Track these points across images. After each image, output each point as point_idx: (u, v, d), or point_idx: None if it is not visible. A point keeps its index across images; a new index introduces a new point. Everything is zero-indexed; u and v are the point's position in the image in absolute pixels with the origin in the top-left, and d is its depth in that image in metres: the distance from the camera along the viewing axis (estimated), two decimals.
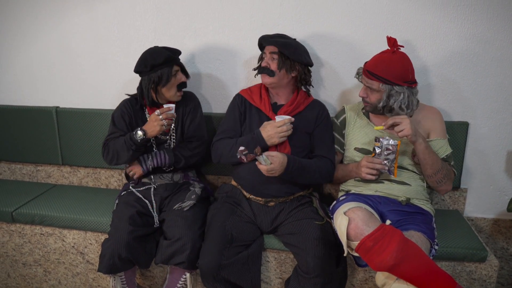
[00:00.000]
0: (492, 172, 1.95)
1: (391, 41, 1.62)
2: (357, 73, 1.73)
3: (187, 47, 2.06)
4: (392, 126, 1.57)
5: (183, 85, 1.83)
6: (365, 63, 1.67)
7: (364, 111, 1.79)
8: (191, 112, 1.89)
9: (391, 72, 1.58)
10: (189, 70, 1.95)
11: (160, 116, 1.70)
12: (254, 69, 1.79)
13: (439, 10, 1.82)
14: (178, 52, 1.84)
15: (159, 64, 1.74)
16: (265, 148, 1.66)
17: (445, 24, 1.83)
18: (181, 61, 1.86)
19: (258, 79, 1.86)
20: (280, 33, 1.83)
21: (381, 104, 1.63)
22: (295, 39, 1.82)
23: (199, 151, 1.88)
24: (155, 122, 1.72)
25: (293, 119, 1.66)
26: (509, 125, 1.89)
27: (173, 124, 1.88)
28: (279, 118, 1.66)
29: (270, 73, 1.71)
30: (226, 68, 2.06)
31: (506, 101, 1.87)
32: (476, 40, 1.83)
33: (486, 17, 1.80)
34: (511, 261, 2.00)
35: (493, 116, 1.89)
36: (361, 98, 1.71)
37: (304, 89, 1.83)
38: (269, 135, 1.65)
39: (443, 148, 1.68)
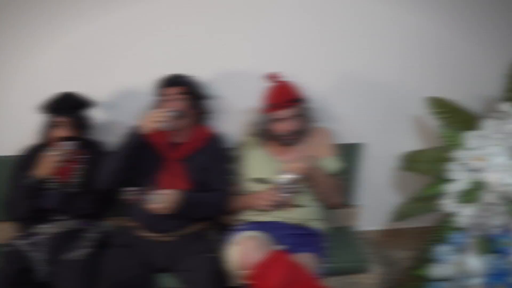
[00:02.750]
0: (380, 187, 2.19)
1: (273, 75, 1.73)
2: (259, 123, 1.77)
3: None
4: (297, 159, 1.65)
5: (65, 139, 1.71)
6: (273, 101, 1.71)
7: (262, 141, 1.82)
8: (91, 162, 1.80)
9: (296, 91, 1.74)
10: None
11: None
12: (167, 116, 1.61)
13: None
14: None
15: None
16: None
17: (321, 56, 2.01)
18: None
19: None
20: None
21: (310, 122, 1.76)
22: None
23: (90, 206, 1.79)
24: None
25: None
26: (393, 144, 2.09)
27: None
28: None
29: (182, 115, 1.68)
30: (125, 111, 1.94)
31: (391, 122, 2.14)
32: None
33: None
34: (394, 265, 2.22)
35: (381, 136, 2.12)
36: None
37: (201, 123, 1.83)
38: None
39: (331, 165, 1.79)
